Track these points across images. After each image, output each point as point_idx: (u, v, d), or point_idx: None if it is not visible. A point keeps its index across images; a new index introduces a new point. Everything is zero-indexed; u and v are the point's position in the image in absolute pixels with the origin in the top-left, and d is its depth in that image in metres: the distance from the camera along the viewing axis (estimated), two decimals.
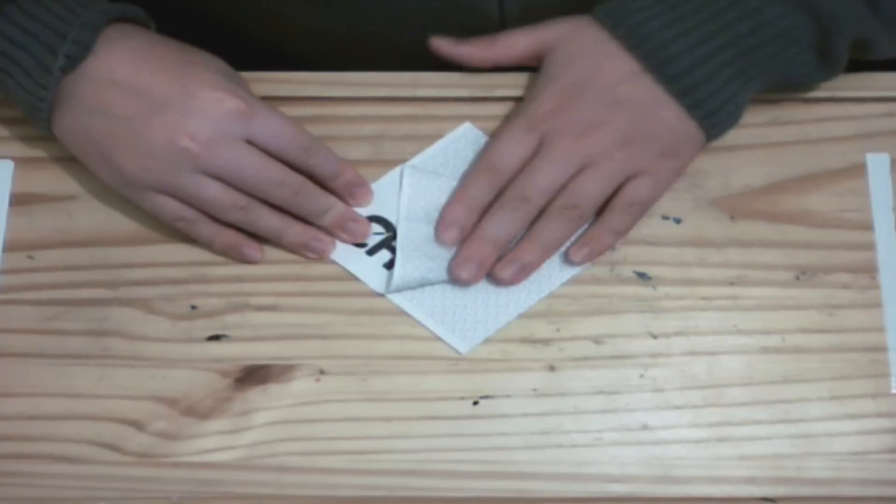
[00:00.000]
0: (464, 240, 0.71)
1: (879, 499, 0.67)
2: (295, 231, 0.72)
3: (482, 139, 0.75)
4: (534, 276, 0.72)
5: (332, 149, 0.73)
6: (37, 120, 0.71)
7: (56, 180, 0.74)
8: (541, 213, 0.71)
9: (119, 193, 0.71)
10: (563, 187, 0.71)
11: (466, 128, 0.76)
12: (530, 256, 0.71)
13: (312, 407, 0.69)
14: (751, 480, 0.68)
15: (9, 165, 0.75)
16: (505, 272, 0.71)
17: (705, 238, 0.73)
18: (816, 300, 0.71)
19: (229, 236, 0.71)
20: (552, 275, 0.72)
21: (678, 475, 0.68)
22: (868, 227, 0.73)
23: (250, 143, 0.69)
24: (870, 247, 0.73)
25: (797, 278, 0.72)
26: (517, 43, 0.74)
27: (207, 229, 0.71)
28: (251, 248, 0.72)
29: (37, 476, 0.68)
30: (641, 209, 0.72)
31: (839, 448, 0.68)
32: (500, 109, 0.76)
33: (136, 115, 0.68)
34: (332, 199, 0.72)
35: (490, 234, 0.71)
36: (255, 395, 0.69)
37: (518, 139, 0.71)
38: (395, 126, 0.75)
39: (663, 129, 0.71)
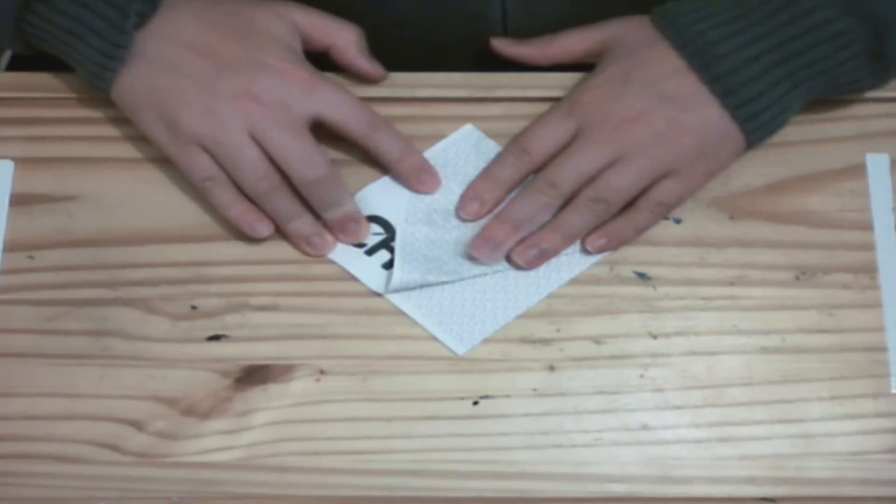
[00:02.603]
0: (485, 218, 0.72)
1: (879, 499, 0.67)
2: (304, 220, 0.72)
3: (484, 141, 0.75)
4: (532, 278, 0.72)
5: (397, 129, 0.73)
6: (101, 80, 0.71)
7: (56, 180, 0.74)
8: (567, 201, 0.71)
9: (161, 150, 0.72)
10: (593, 178, 0.71)
11: (468, 129, 0.76)
12: (550, 244, 0.71)
13: (312, 407, 0.69)
14: (751, 480, 0.68)
15: (9, 165, 0.75)
16: (523, 257, 0.71)
17: (705, 238, 0.73)
18: (816, 300, 0.71)
19: (247, 206, 0.71)
20: (550, 276, 0.72)
21: (678, 475, 0.68)
22: (868, 227, 0.73)
23: (316, 119, 0.71)
24: (870, 247, 0.73)
25: (797, 278, 0.72)
26: (575, 42, 0.75)
27: (230, 195, 0.71)
28: (264, 223, 0.72)
29: (37, 476, 0.68)
30: (667, 210, 0.72)
31: (839, 448, 0.68)
32: (501, 110, 0.76)
33: (205, 73, 0.70)
34: (348, 197, 0.72)
35: (512, 217, 0.71)
36: (255, 395, 0.69)
37: (555, 124, 0.72)
38: (395, 126, 0.75)
39: (703, 128, 0.71)
